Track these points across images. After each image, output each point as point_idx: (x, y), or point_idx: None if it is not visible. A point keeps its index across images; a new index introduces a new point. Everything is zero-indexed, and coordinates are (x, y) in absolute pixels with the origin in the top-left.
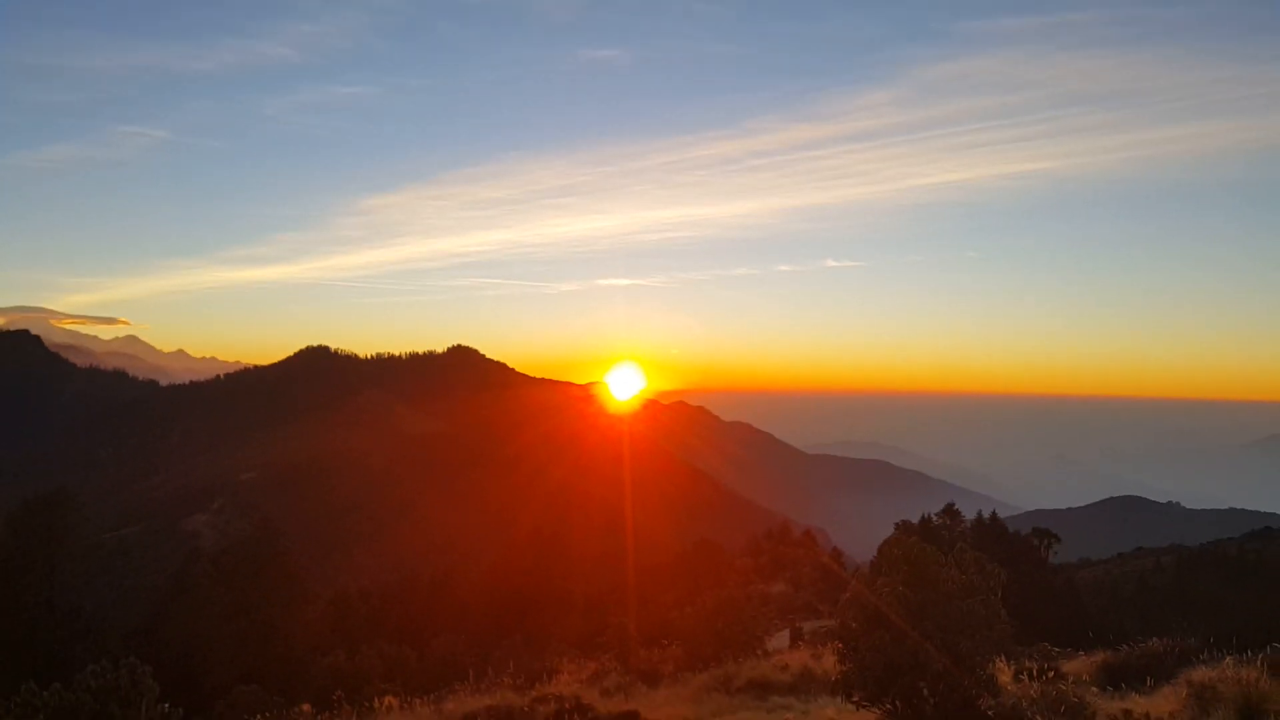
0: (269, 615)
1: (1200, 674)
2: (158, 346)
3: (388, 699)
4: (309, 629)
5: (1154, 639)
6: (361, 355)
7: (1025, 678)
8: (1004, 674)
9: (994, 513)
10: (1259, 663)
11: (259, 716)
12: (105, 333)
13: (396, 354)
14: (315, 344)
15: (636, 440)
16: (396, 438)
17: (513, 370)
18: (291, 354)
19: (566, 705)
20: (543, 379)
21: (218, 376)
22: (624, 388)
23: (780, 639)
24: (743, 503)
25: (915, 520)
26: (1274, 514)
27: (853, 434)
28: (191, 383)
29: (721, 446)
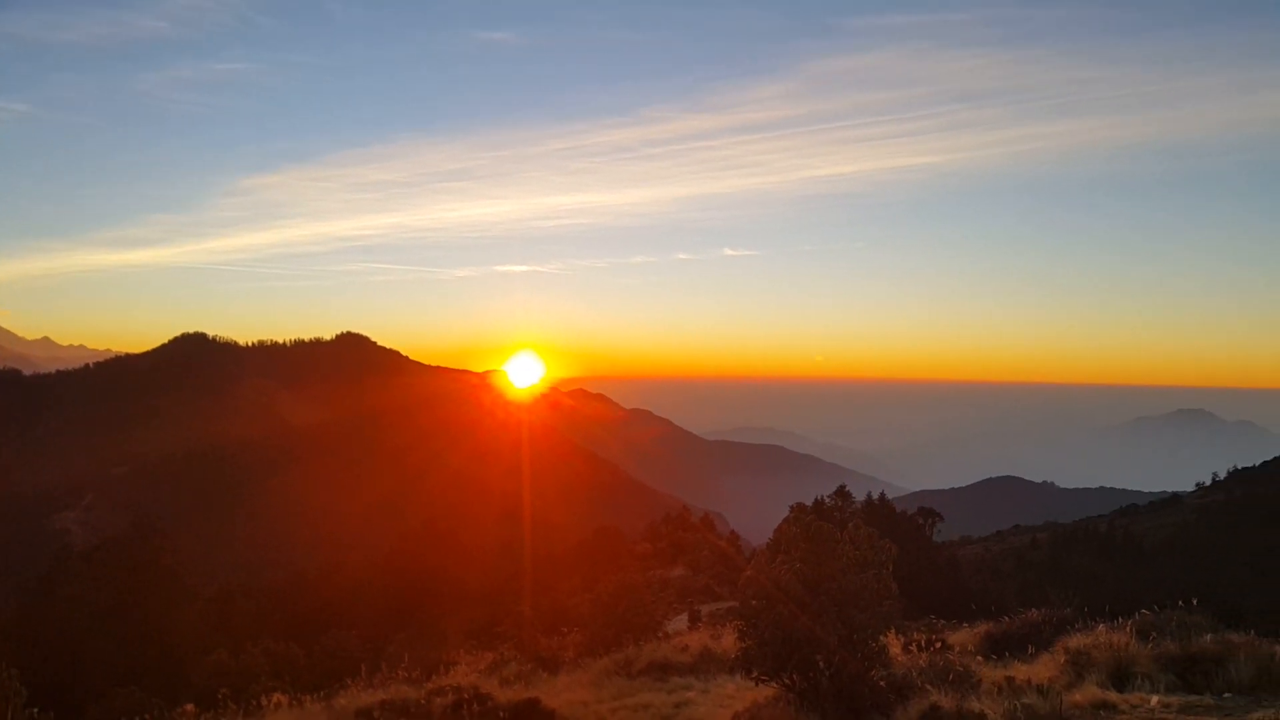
0: (146, 614)
1: (1076, 641)
2: (20, 334)
3: (276, 696)
4: (190, 628)
5: (1033, 610)
6: (242, 343)
7: (914, 649)
8: (895, 645)
9: (882, 494)
10: (1128, 629)
11: (139, 718)
12: None
13: (280, 341)
14: (192, 331)
15: (535, 428)
16: (281, 428)
17: (406, 358)
18: (166, 341)
19: (465, 696)
20: (438, 367)
21: (86, 365)
22: (523, 376)
23: (679, 622)
24: (643, 489)
25: (809, 502)
26: (1140, 491)
27: (750, 420)
28: (58, 372)
29: (622, 434)
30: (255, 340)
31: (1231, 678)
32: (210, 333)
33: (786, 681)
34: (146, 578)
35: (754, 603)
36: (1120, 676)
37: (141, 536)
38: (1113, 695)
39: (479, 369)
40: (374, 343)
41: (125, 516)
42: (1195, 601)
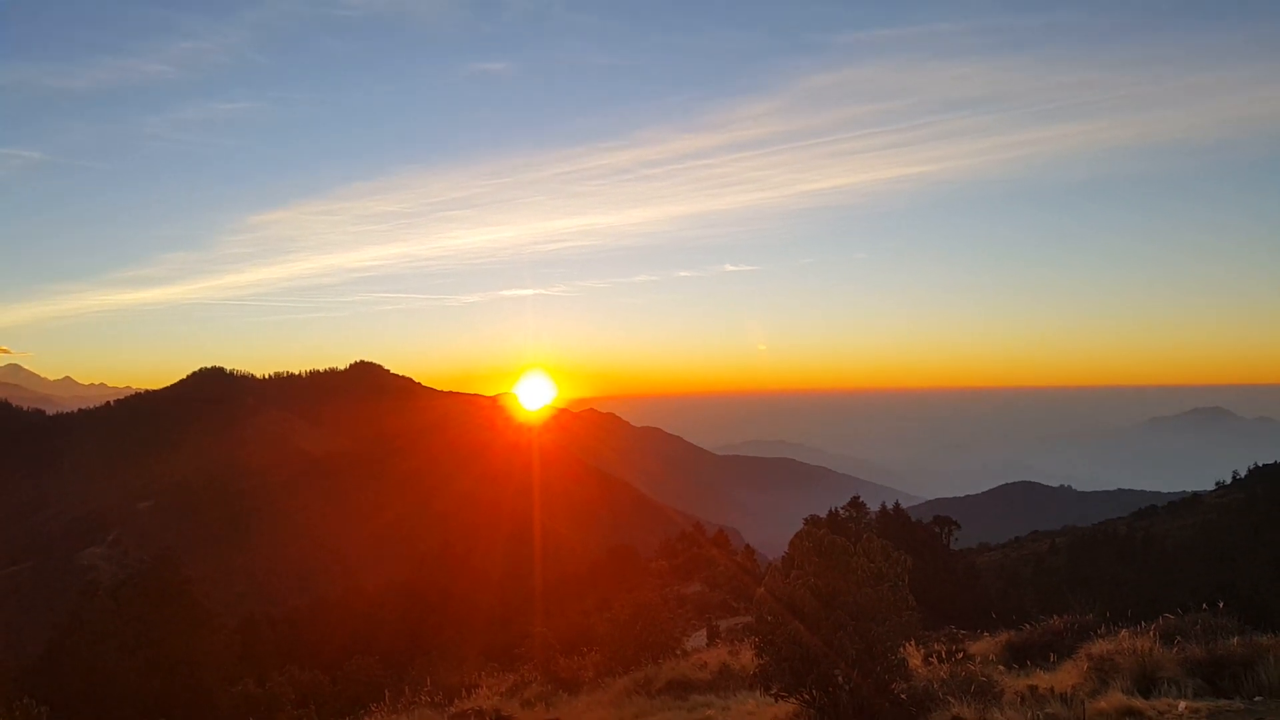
0: (174, 646)
1: (1099, 647)
2: (43, 375)
3: None
4: (216, 658)
5: (1053, 617)
6: (258, 375)
7: (934, 660)
8: (914, 657)
9: (897, 503)
10: (1152, 633)
11: None
12: None
13: (296, 372)
14: (209, 366)
15: (546, 449)
16: (299, 457)
17: (418, 384)
18: (184, 377)
19: (487, 718)
20: (449, 392)
21: (108, 403)
22: (533, 397)
23: (698, 638)
24: (656, 507)
25: (823, 515)
26: (1158, 492)
27: (760, 434)
28: (80, 410)
29: (633, 452)
30: (271, 372)
31: (1261, 681)
32: (227, 367)
33: (806, 697)
34: (172, 610)
35: (769, 618)
36: (1146, 682)
37: (166, 569)
38: (1138, 702)
39: (490, 392)
40: (386, 370)
41: (151, 549)
42: (1220, 603)
